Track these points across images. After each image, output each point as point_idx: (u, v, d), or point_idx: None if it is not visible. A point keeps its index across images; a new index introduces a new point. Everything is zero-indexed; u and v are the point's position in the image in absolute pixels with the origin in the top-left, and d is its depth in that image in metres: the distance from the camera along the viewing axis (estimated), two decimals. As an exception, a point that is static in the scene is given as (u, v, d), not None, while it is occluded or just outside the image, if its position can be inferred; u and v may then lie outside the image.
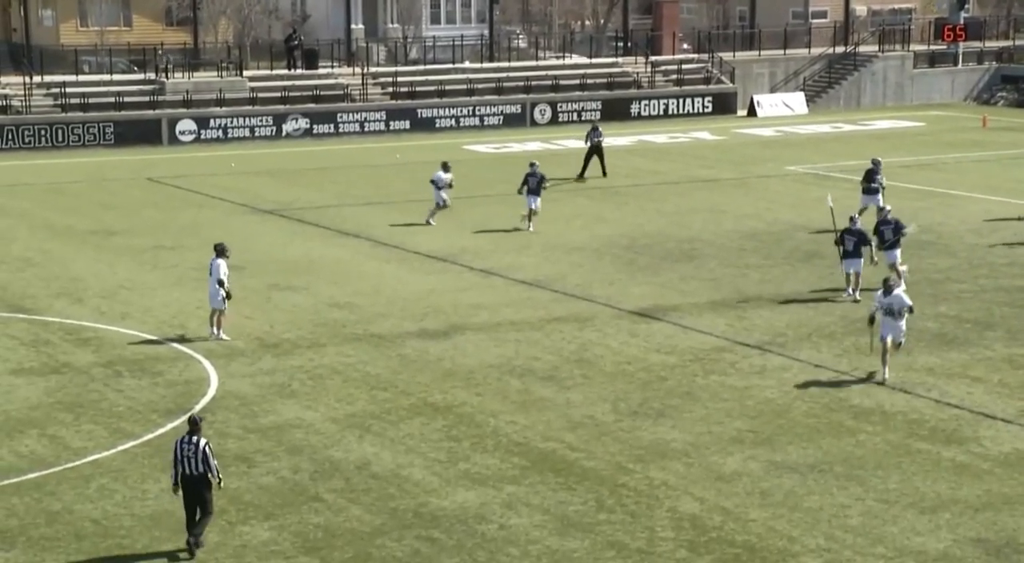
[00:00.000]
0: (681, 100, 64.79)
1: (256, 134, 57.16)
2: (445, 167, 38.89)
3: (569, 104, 62.63)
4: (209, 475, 17.63)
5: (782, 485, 19.78)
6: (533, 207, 37.90)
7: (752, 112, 65.44)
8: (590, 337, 27.38)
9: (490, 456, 20.98)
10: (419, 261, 34.27)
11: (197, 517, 17.75)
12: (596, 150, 46.70)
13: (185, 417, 20.70)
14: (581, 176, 46.41)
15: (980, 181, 45.78)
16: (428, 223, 38.49)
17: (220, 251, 27.08)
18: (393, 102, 60.36)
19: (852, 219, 30.05)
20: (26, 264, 33.97)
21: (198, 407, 22.99)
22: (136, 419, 22.63)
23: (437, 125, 60.14)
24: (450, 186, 38.73)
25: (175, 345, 26.79)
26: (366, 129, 59.00)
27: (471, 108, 61.03)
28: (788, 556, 17.51)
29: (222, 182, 46.38)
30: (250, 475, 20.19)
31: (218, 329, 27.05)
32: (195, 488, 17.73)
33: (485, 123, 61.00)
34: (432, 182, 38.80)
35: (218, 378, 24.73)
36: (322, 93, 59.36)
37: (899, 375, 24.81)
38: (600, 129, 47.64)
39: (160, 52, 59.76)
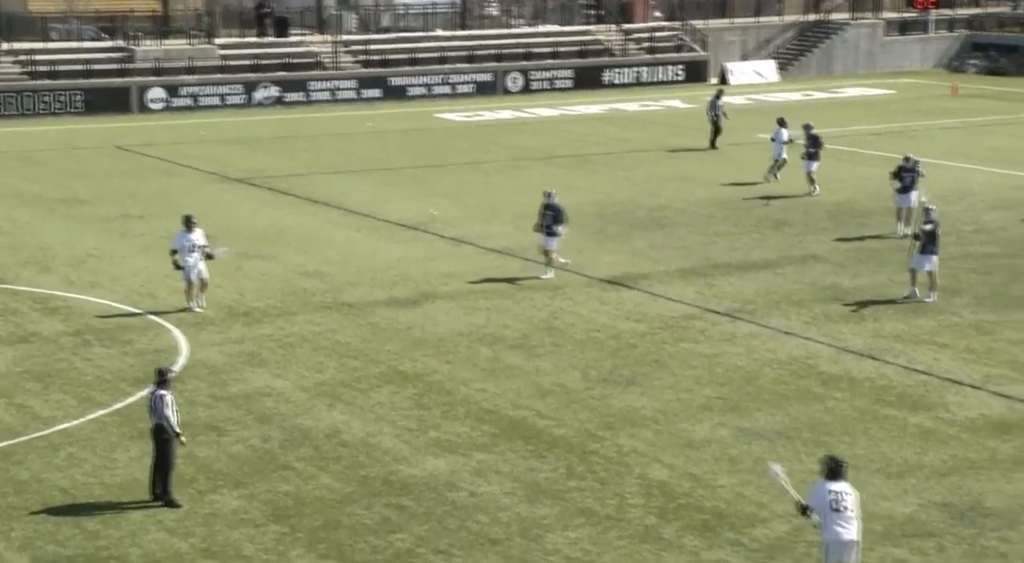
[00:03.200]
0: (653, 68, 64.72)
1: (226, 102, 56.85)
2: (782, 123, 39.58)
3: (541, 72, 62.48)
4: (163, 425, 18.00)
5: (751, 452, 19.88)
6: None
7: (724, 80, 65.40)
8: (560, 305, 27.41)
9: (460, 424, 21.01)
10: (389, 230, 34.21)
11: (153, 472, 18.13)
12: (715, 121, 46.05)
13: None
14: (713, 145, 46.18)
15: (949, 148, 45.91)
16: (767, 180, 39.31)
17: (188, 222, 26.74)
18: (365, 70, 60.11)
19: (928, 211, 27.58)
20: (-6, 233, 33.81)
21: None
22: (105, 388, 22.58)
23: (409, 93, 59.93)
24: (790, 141, 39.25)
25: (144, 314, 26.72)
26: (337, 97, 58.76)
27: (443, 76, 60.82)
28: (756, 522, 17.62)
29: (192, 150, 46.17)
30: (220, 444, 20.18)
31: (200, 298, 26.78)
32: (153, 438, 18.18)
33: (457, 91, 60.80)
34: (773, 139, 39.58)
35: (188, 347, 24.68)
36: (293, 61, 59.08)
37: (867, 341, 24.95)
38: (718, 97, 46.69)
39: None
